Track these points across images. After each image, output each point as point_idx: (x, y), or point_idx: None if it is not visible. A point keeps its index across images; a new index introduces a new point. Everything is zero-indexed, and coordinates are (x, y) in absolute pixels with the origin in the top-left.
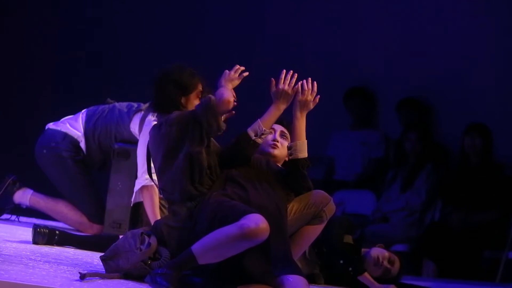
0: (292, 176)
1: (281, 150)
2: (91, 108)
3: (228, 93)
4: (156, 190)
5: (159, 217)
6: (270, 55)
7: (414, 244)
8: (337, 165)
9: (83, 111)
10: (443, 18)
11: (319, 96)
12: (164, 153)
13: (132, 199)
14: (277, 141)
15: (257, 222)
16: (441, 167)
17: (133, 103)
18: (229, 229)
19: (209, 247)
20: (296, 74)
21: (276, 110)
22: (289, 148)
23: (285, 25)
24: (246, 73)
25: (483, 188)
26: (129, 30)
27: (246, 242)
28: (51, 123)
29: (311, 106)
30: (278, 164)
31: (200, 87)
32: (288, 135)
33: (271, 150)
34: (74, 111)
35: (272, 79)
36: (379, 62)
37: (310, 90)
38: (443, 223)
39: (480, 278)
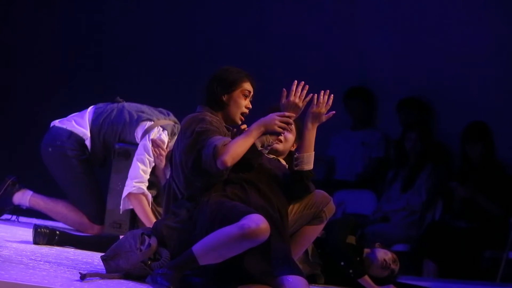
0: (295, 186)
1: (284, 145)
2: (100, 105)
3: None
4: (145, 197)
5: (154, 221)
6: (270, 55)
7: (415, 244)
8: (337, 165)
9: (90, 108)
10: (443, 18)
11: (334, 112)
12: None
13: (121, 207)
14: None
15: (257, 222)
16: (442, 167)
17: (143, 108)
18: (230, 230)
19: (210, 248)
20: (307, 86)
21: None
22: (295, 159)
23: (286, 25)
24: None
25: (485, 188)
26: (130, 29)
27: (247, 242)
28: (56, 120)
29: (324, 119)
30: (282, 159)
31: (246, 86)
32: (292, 125)
33: (275, 146)
34: (75, 111)
35: (284, 89)
36: (380, 62)
37: (324, 103)
38: (443, 223)
39: (480, 278)
